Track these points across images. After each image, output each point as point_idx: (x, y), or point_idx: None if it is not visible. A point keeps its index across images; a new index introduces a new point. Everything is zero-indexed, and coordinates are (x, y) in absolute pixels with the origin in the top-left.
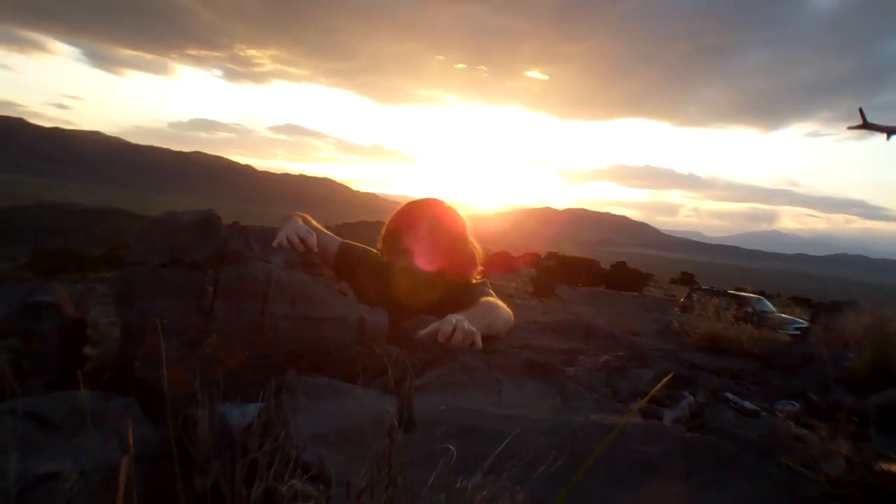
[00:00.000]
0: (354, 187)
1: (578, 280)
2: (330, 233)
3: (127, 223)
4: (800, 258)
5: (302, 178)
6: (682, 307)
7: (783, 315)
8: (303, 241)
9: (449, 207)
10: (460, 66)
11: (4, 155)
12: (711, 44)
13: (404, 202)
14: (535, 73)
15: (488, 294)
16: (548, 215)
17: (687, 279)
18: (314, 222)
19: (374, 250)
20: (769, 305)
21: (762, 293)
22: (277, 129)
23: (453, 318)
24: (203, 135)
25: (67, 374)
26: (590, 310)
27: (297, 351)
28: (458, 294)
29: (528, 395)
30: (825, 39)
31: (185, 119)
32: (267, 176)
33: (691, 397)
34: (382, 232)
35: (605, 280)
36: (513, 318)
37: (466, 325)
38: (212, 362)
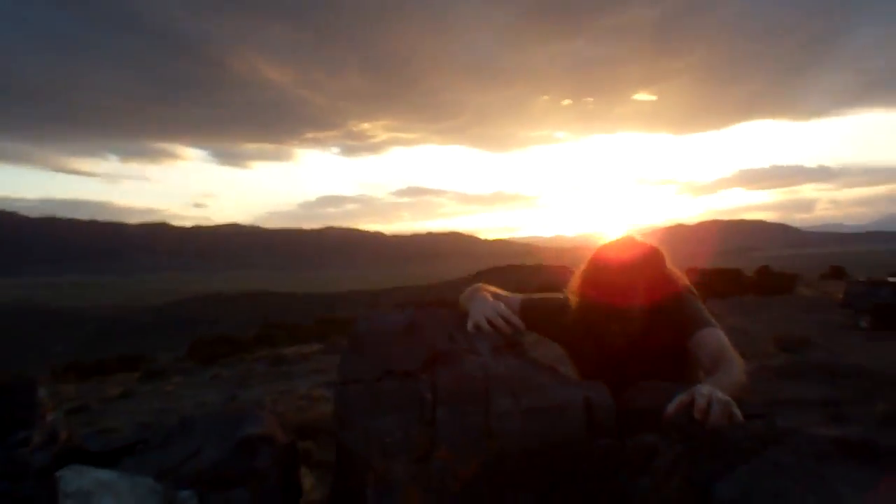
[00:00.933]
0: (482, 236)
1: (724, 291)
2: (504, 292)
3: (273, 303)
4: None
5: (430, 236)
6: (843, 303)
7: None
8: (506, 320)
9: (654, 250)
10: (566, 102)
11: (153, 257)
12: (820, 30)
13: (533, 242)
14: (642, 96)
15: (705, 318)
16: (680, 231)
17: (837, 273)
18: (492, 288)
19: (559, 296)
20: None
21: None
22: (400, 192)
23: (704, 389)
24: (331, 210)
25: None
26: (746, 320)
27: (531, 450)
28: (671, 323)
29: (864, 488)
30: None
31: (313, 198)
32: (396, 239)
33: None
34: (580, 288)
35: (752, 287)
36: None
37: (720, 394)
38: (445, 476)
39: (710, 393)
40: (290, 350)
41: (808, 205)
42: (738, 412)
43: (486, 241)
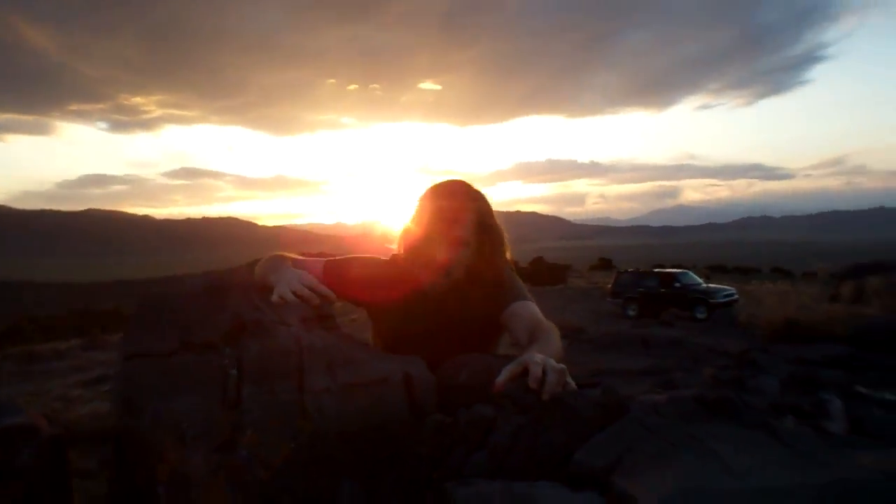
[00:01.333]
0: (261, 222)
1: None
2: (307, 258)
3: (26, 293)
4: (709, 227)
5: (205, 221)
6: (612, 293)
7: (711, 285)
8: (313, 289)
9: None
10: (353, 86)
11: None
12: (595, 32)
13: (313, 230)
14: (427, 85)
15: (522, 291)
16: None
17: (605, 265)
18: (291, 254)
19: (364, 257)
20: (696, 278)
21: (679, 266)
22: (173, 174)
23: (537, 357)
24: (95, 191)
25: None
26: None
27: (350, 431)
28: (488, 294)
29: (741, 448)
30: (703, 13)
31: (74, 177)
32: (167, 223)
33: (838, 400)
34: (403, 234)
35: (526, 278)
36: None
37: (553, 361)
38: (252, 466)
39: (543, 361)
40: (45, 347)
41: (579, 198)
42: (571, 381)
43: (264, 228)
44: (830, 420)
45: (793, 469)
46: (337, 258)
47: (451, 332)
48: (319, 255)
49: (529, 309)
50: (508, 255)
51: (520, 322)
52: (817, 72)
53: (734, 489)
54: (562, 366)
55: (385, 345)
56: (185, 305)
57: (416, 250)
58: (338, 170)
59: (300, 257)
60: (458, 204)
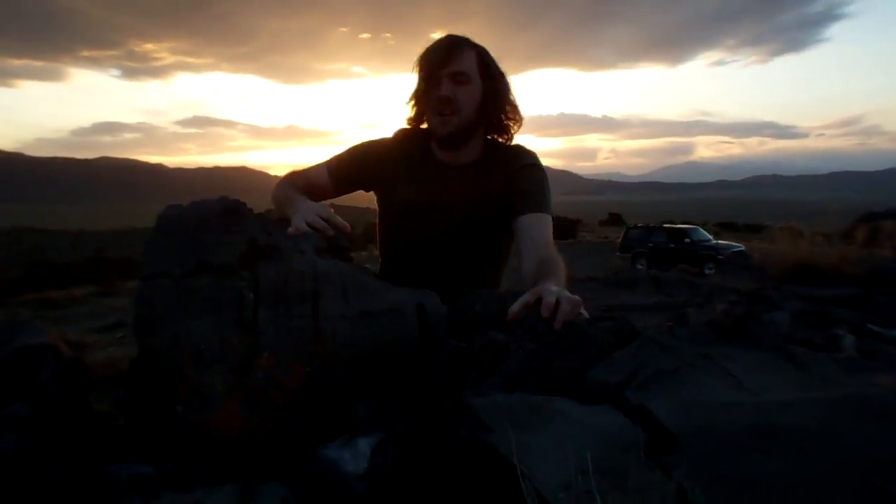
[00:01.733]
0: (273, 172)
1: None
2: (309, 170)
3: (41, 240)
4: (720, 185)
5: (216, 170)
6: (621, 248)
7: (720, 241)
8: (328, 221)
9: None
10: (364, 35)
11: None
12: None
13: None
14: (440, 34)
15: (546, 199)
16: None
17: (615, 220)
18: (299, 180)
19: (366, 140)
20: (706, 234)
21: (689, 223)
22: (185, 122)
23: (553, 287)
24: (108, 138)
25: (79, 436)
26: None
27: (365, 355)
28: (506, 183)
29: (755, 369)
30: None
31: (87, 124)
32: (180, 172)
33: (849, 336)
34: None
35: None
36: None
37: (567, 293)
38: (268, 388)
39: (557, 292)
40: (61, 293)
41: (591, 153)
42: (585, 312)
43: (276, 178)
44: (842, 353)
45: (807, 388)
46: (339, 154)
47: (463, 207)
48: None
49: (544, 230)
50: (517, 129)
51: (535, 240)
52: (835, 30)
53: (747, 402)
54: (577, 297)
55: (393, 228)
56: (202, 227)
57: (414, 120)
58: (350, 120)
59: (305, 179)
60: (438, 59)
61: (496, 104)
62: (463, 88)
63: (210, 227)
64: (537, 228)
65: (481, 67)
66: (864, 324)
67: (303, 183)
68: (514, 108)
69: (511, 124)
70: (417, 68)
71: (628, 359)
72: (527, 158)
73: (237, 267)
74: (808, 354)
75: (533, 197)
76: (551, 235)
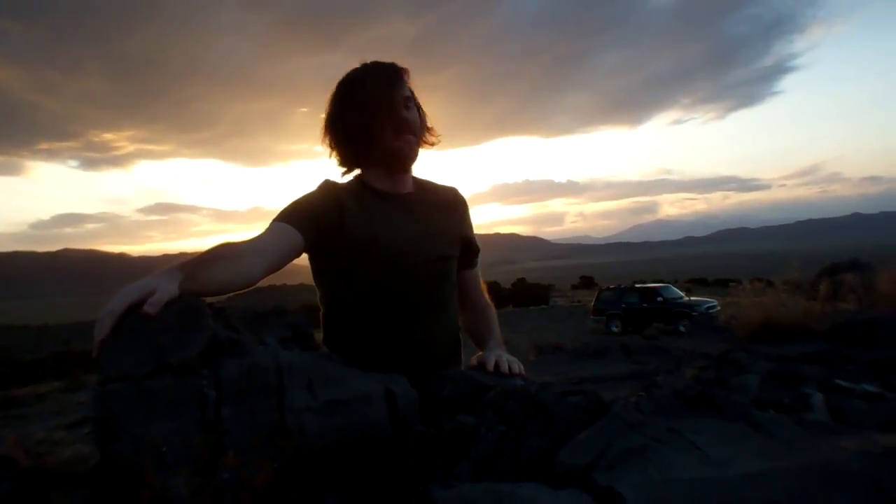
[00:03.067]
0: None
1: None
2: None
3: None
4: (687, 241)
5: (182, 256)
6: (595, 310)
7: (693, 298)
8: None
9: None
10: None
11: None
12: (566, 53)
13: (298, 261)
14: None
15: (477, 247)
16: None
17: (587, 283)
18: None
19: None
20: (678, 292)
21: (659, 281)
22: (148, 210)
23: (504, 355)
24: (69, 230)
25: None
26: (507, 331)
27: (333, 447)
28: (461, 225)
29: (722, 439)
30: (672, 29)
31: (47, 217)
32: (144, 260)
33: (818, 394)
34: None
35: (510, 299)
36: None
37: (508, 356)
38: (235, 488)
39: (501, 355)
40: (25, 390)
41: (558, 218)
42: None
43: None
44: (812, 413)
45: (773, 456)
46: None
47: (434, 238)
48: None
49: (479, 281)
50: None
51: (475, 289)
52: (787, 82)
53: (714, 477)
54: (514, 358)
55: (358, 274)
56: (160, 327)
57: (362, 151)
58: (315, 187)
59: (252, 244)
60: (389, 84)
61: (428, 130)
62: (412, 112)
63: (168, 326)
64: (476, 281)
65: (414, 93)
66: (833, 380)
67: (249, 248)
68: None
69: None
70: (353, 97)
71: (596, 437)
72: (463, 198)
73: (197, 365)
74: (775, 420)
75: (476, 248)
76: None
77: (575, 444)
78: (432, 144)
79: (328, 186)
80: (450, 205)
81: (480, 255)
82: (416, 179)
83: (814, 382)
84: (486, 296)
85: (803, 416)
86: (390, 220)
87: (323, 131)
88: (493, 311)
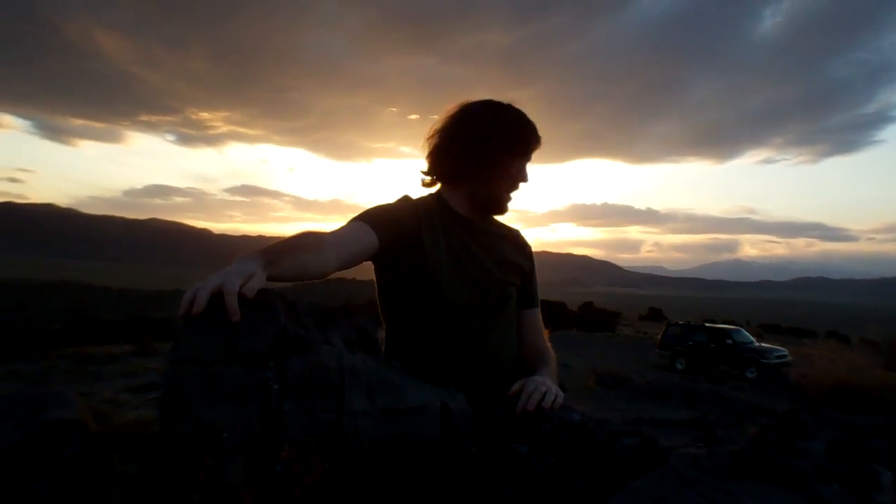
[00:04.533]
0: None
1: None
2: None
3: (85, 295)
4: (764, 285)
5: (260, 239)
6: (660, 345)
7: (763, 344)
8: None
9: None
10: (413, 116)
11: None
12: (659, 79)
13: None
14: (515, 105)
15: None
16: None
17: (655, 315)
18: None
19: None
20: (748, 336)
21: (731, 322)
22: (234, 190)
23: (550, 383)
24: (158, 201)
25: None
26: (568, 354)
27: (385, 454)
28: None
29: None
30: (772, 66)
31: (140, 186)
32: (225, 238)
33: (888, 472)
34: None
35: (575, 322)
36: None
37: (552, 384)
38: (287, 482)
39: (542, 380)
40: (99, 349)
41: (633, 245)
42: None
43: None
44: (879, 492)
45: None
46: (370, 212)
47: (500, 264)
48: None
49: (541, 324)
50: None
51: (535, 333)
52: (889, 132)
53: None
54: (560, 391)
55: (423, 292)
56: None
57: (465, 181)
58: (393, 198)
59: (332, 237)
60: (537, 143)
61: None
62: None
63: (243, 315)
64: (536, 323)
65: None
66: None
67: (329, 241)
68: None
69: None
70: (519, 146)
71: (649, 489)
72: (527, 241)
73: (265, 357)
74: (838, 496)
75: (537, 290)
76: (542, 324)
77: (628, 492)
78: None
79: (408, 201)
80: (515, 240)
81: (551, 274)
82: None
83: (883, 458)
84: (548, 343)
85: (870, 496)
86: (463, 244)
87: (438, 139)
88: (551, 354)
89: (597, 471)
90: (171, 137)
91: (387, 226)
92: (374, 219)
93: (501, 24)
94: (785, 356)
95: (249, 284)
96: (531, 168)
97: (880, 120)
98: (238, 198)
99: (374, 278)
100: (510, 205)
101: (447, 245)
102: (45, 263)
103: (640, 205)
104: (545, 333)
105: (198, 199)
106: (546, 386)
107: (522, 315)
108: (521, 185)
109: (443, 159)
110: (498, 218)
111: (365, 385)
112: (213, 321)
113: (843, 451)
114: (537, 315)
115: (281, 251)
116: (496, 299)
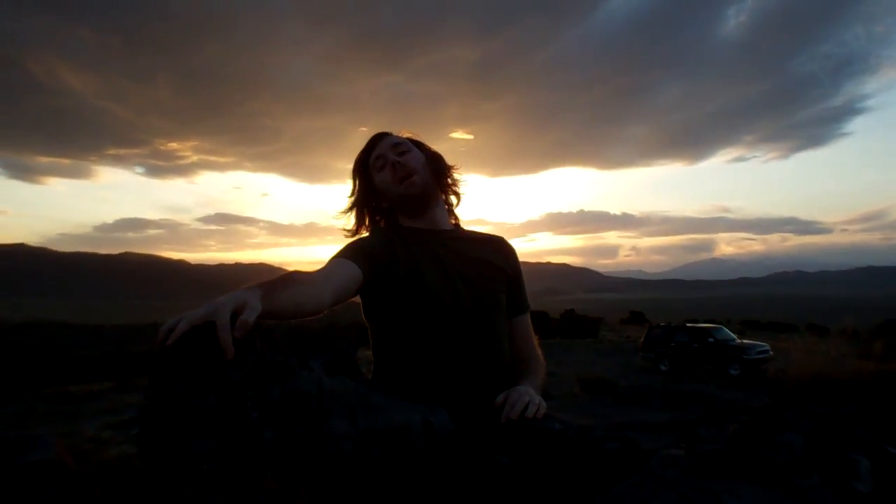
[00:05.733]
0: (291, 268)
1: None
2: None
3: (63, 334)
4: (742, 282)
5: (237, 266)
6: (643, 347)
7: (745, 341)
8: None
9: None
10: None
11: None
12: (627, 84)
13: None
14: (459, 134)
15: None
16: None
17: (637, 318)
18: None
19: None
20: (730, 333)
21: (712, 321)
22: (208, 219)
23: (533, 393)
24: (131, 234)
25: None
26: (552, 362)
27: (370, 476)
28: (510, 261)
29: None
30: (739, 65)
31: (111, 220)
32: (201, 268)
33: (866, 460)
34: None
35: (557, 331)
36: None
37: (535, 395)
38: None
39: (525, 391)
40: (79, 388)
41: (611, 250)
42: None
43: None
44: (858, 480)
45: None
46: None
47: (476, 269)
48: None
49: (530, 329)
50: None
51: (526, 339)
52: (857, 124)
53: None
54: (543, 402)
55: (407, 310)
56: (211, 344)
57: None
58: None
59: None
60: (373, 143)
61: (443, 164)
62: (406, 156)
63: (219, 344)
64: (524, 330)
65: (412, 142)
66: (882, 445)
67: (320, 277)
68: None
69: (458, 190)
70: (355, 170)
71: (629, 493)
72: (510, 245)
73: (243, 385)
74: (817, 489)
75: (526, 295)
76: (532, 331)
77: (609, 498)
78: (452, 185)
79: (378, 230)
80: (493, 243)
81: (530, 283)
82: (458, 226)
83: (862, 447)
84: (538, 349)
85: (849, 484)
86: (439, 246)
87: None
88: (540, 362)
89: (580, 478)
90: (140, 170)
91: (364, 256)
92: (353, 253)
93: (469, 39)
94: (767, 351)
95: (242, 317)
96: (508, 180)
97: (847, 112)
98: (213, 226)
99: (360, 298)
100: (421, 188)
101: (422, 250)
102: (18, 304)
103: (616, 210)
104: (535, 340)
105: (172, 230)
106: (529, 396)
107: (511, 322)
108: (392, 170)
109: (361, 215)
110: (480, 229)
111: (346, 408)
112: (189, 351)
113: (823, 442)
114: (527, 321)
115: (274, 285)
116: (476, 307)
